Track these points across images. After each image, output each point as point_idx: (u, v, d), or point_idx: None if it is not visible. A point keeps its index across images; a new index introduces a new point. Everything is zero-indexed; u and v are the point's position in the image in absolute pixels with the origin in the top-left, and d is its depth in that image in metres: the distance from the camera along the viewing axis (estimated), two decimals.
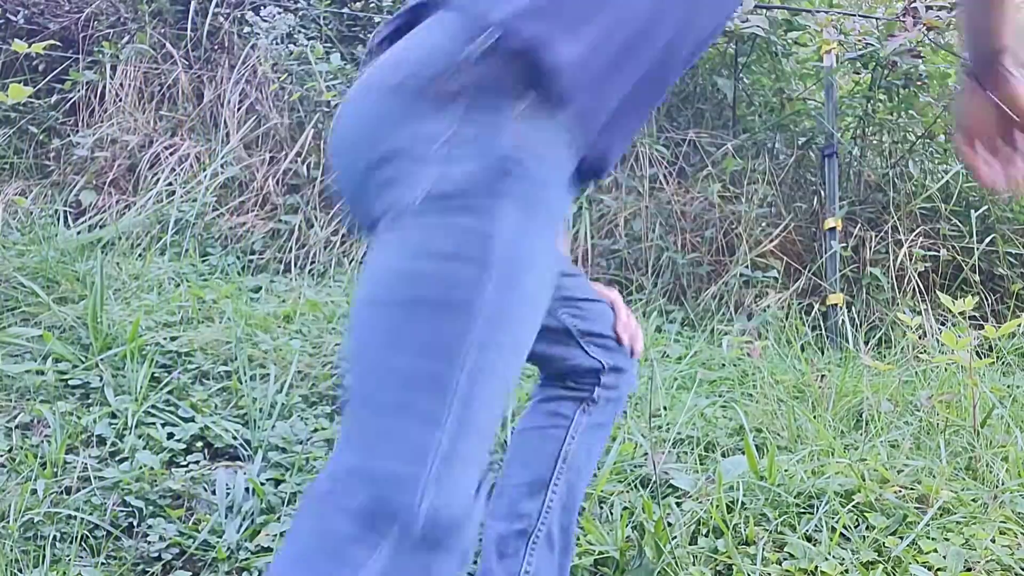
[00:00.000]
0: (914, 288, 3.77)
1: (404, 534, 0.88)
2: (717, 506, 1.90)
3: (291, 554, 0.90)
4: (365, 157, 0.95)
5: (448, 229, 0.90)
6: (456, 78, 0.91)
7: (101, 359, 2.46)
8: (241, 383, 2.46)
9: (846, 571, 1.74)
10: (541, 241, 0.95)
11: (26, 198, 4.06)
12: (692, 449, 2.31)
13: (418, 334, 0.90)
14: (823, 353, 3.40)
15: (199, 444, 2.22)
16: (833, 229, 3.75)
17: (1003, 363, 3.22)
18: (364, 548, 0.88)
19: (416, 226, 0.90)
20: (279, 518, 1.90)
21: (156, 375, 2.45)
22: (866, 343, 3.32)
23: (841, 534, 1.87)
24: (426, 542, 0.89)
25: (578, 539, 1.80)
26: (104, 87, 4.54)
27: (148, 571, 1.76)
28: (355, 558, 0.88)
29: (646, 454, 2.20)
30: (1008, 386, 2.87)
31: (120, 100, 4.51)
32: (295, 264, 3.86)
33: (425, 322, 0.89)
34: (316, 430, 2.32)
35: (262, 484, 2.02)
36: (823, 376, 2.83)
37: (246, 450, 2.20)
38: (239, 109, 4.42)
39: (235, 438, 2.23)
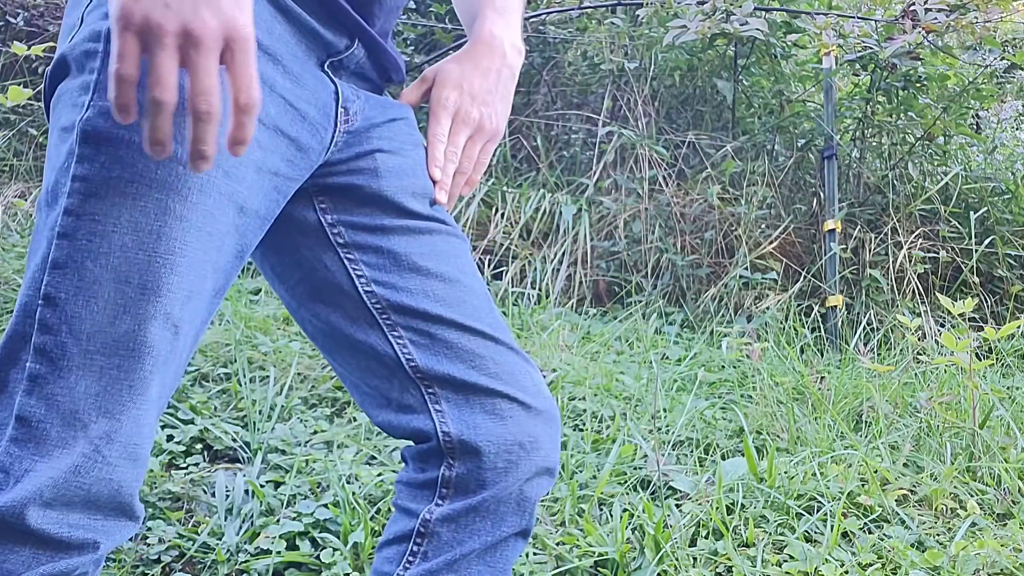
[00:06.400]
0: (914, 290, 3.77)
1: None
2: (717, 508, 1.90)
3: None
4: None
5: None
6: None
7: None
8: (241, 385, 2.46)
9: (846, 573, 1.74)
10: None
11: (26, 200, 4.05)
12: (692, 451, 2.31)
13: None
14: (823, 355, 3.40)
15: (199, 446, 2.22)
16: (832, 231, 3.76)
17: (1003, 365, 3.22)
18: None
19: None
20: (279, 520, 1.90)
21: None
22: (866, 345, 3.31)
23: (841, 536, 1.87)
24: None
25: (578, 541, 1.80)
26: None
27: (148, 573, 1.76)
28: None
29: (646, 456, 2.20)
30: (1008, 388, 2.87)
31: None
32: None
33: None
34: (316, 432, 2.32)
35: (262, 486, 2.01)
36: (823, 378, 2.82)
37: (246, 452, 2.20)
38: None
39: (235, 440, 2.23)
